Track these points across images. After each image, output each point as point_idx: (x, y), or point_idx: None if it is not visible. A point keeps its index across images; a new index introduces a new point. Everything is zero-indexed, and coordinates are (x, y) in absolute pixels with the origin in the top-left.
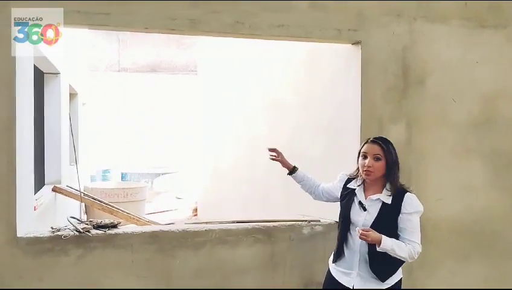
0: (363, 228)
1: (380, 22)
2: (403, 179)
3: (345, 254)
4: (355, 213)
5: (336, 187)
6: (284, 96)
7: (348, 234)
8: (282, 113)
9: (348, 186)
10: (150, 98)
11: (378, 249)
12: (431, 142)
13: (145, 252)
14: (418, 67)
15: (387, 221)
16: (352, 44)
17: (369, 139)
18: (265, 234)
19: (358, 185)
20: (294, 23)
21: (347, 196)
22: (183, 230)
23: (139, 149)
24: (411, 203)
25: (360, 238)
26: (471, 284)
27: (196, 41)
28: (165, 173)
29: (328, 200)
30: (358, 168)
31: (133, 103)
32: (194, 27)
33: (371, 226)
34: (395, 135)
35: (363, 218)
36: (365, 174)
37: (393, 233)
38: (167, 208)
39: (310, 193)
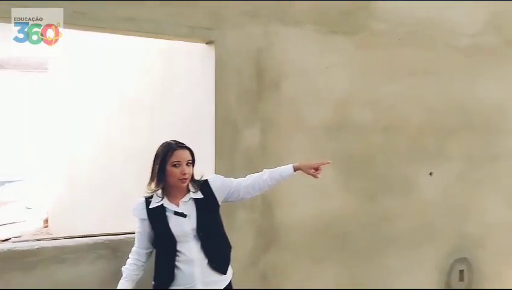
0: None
1: (235, 22)
2: None
3: (182, 270)
4: (177, 225)
5: (142, 227)
6: (141, 97)
7: (179, 249)
8: (139, 115)
9: (151, 207)
10: None
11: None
12: (286, 147)
13: None
14: (273, 70)
15: (210, 214)
16: (206, 43)
17: (172, 145)
18: (109, 248)
19: (162, 198)
20: (144, 18)
21: (157, 216)
22: (8, 249)
23: None
24: (215, 179)
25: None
26: (326, 286)
27: None
28: (11, 181)
29: (151, 245)
30: (159, 179)
31: None
32: None
33: (198, 226)
34: (249, 139)
35: (187, 225)
36: (182, 183)
37: (219, 225)
38: (14, 219)
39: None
